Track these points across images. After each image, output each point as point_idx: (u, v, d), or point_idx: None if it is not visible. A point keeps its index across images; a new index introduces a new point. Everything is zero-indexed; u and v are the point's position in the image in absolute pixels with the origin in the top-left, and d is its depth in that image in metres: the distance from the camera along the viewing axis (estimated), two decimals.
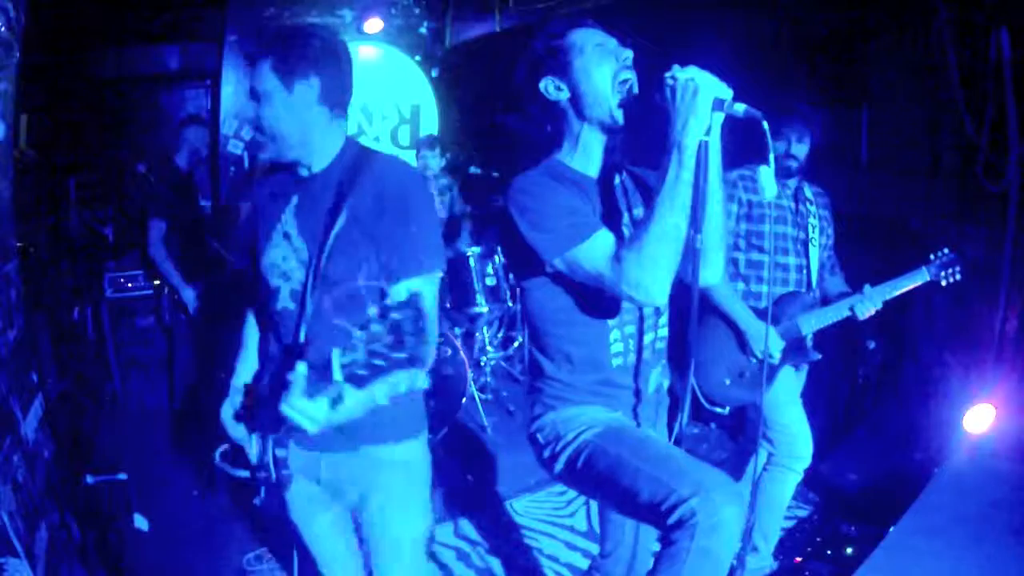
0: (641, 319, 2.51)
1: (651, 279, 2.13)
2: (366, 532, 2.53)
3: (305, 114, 2.27)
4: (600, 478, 2.35)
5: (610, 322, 2.47)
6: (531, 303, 2.55)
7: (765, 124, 2.17)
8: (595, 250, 2.22)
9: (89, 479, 3.93)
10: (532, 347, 2.63)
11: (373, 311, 1.74)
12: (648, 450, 2.30)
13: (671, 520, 2.09)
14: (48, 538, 2.97)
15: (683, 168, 2.14)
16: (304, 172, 2.38)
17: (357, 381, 1.79)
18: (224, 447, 2.52)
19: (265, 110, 2.26)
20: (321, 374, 1.88)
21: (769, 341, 3.70)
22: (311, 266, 2.28)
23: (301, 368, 1.95)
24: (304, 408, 1.95)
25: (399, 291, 2.13)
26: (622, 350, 2.50)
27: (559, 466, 2.48)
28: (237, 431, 2.47)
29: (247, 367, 2.60)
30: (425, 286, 2.23)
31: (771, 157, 2.25)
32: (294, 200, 2.39)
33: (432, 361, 2.23)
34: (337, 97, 2.33)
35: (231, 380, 2.58)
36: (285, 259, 2.36)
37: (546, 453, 2.53)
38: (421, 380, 2.20)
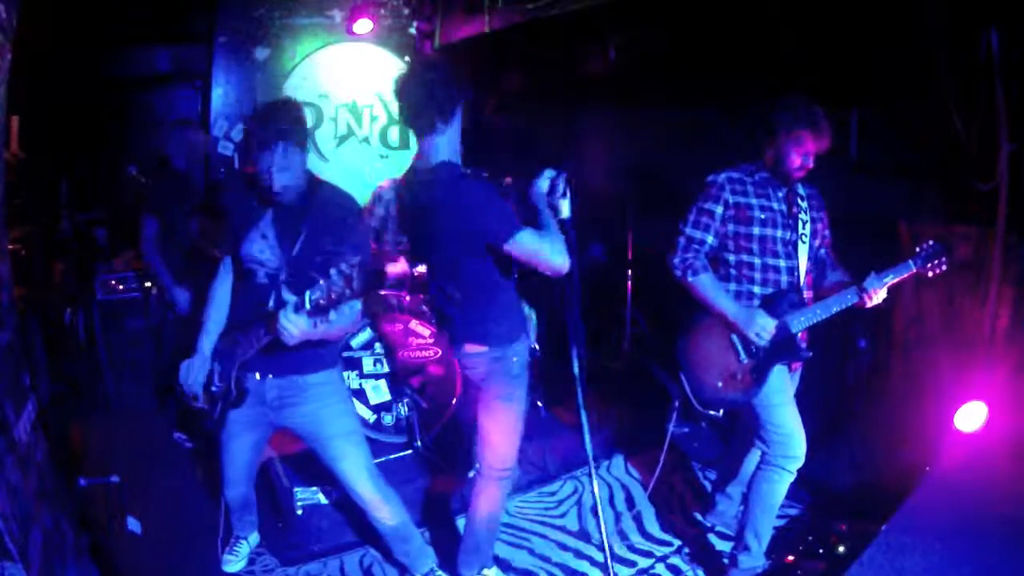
0: None
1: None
2: (312, 440, 3.66)
3: (304, 167, 3.40)
4: None
5: None
6: None
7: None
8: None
9: (82, 482, 3.93)
10: None
11: (334, 270, 2.84)
12: None
13: None
14: (42, 541, 2.96)
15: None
16: (281, 200, 3.37)
17: (320, 309, 2.94)
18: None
19: (292, 173, 3.31)
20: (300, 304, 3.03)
21: (760, 322, 3.72)
22: (283, 257, 3.38)
23: (291, 297, 3.08)
24: (294, 320, 3.04)
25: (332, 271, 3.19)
26: None
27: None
28: (188, 380, 3.53)
29: (211, 336, 3.57)
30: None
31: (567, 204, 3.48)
32: (270, 212, 3.43)
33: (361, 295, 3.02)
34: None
35: (198, 344, 3.57)
36: (261, 251, 3.41)
37: None
38: (357, 305, 3.31)
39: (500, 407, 3.70)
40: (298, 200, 3.41)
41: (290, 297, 3.09)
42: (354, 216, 3.51)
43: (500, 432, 3.73)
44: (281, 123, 3.27)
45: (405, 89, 3.38)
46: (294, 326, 3.05)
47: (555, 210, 3.46)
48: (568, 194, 3.48)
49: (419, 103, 3.35)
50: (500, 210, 3.33)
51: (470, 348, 3.64)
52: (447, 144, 3.45)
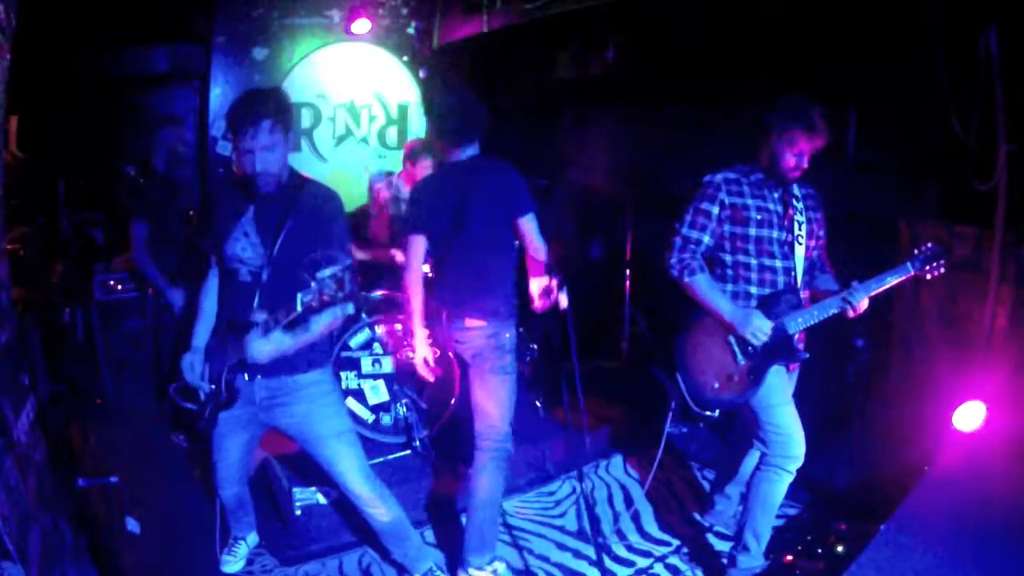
0: None
1: None
2: (303, 440, 3.64)
3: (287, 157, 3.41)
4: None
5: None
6: None
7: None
8: None
9: (81, 482, 3.92)
10: None
11: (326, 272, 2.85)
12: None
13: None
14: (41, 541, 2.96)
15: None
16: (263, 191, 3.33)
17: (311, 312, 2.98)
18: (178, 384, 3.58)
19: (276, 156, 3.28)
20: (272, 322, 3.13)
21: (756, 322, 3.72)
22: (266, 255, 3.35)
23: (260, 316, 3.14)
24: (258, 346, 3.17)
25: (324, 274, 2.99)
26: None
27: None
28: (194, 376, 3.48)
29: (204, 330, 3.58)
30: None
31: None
32: (251, 210, 3.41)
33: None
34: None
35: (192, 340, 3.56)
36: (244, 250, 3.40)
37: None
38: (349, 308, 3.19)
39: (493, 378, 4.03)
40: (281, 197, 3.38)
41: (259, 317, 3.17)
42: (338, 215, 3.50)
43: (494, 403, 4.00)
44: (269, 102, 3.29)
45: (452, 104, 4.01)
46: (262, 349, 3.23)
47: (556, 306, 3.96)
48: (565, 289, 3.90)
49: (463, 115, 3.99)
50: (526, 189, 3.99)
51: (470, 323, 4.03)
52: (476, 147, 4.08)
